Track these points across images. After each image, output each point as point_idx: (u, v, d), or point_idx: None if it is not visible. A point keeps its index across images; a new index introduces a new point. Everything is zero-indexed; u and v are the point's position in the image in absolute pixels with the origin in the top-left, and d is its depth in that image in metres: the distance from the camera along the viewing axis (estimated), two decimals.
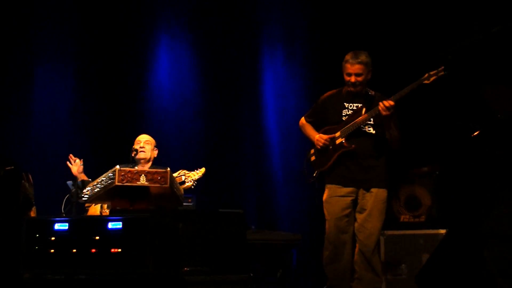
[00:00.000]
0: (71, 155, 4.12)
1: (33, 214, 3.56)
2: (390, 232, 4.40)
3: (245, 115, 5.75)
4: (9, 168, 3.29)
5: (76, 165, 4.07)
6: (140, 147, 4.12)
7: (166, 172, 3.07)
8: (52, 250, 2.84)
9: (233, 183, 5.59)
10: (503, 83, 3.23)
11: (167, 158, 4.39)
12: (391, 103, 3.44)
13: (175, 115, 5.65)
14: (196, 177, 3.76)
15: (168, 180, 3.06)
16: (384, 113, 3.45)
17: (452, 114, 4.69)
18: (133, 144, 4.19)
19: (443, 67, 3.43)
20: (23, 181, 3.40)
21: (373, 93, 3.66)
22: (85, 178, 4.02)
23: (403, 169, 4.71)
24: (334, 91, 3.81)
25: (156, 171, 3.09)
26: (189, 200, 4.75)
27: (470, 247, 2.96)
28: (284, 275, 4.46)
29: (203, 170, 3.80)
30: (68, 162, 4.11)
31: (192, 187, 3.77)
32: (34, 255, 2.85)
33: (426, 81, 3.48)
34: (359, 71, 3.58)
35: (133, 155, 4.08)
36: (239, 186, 5.62)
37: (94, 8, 5.52)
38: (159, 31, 5.78)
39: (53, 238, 2.85)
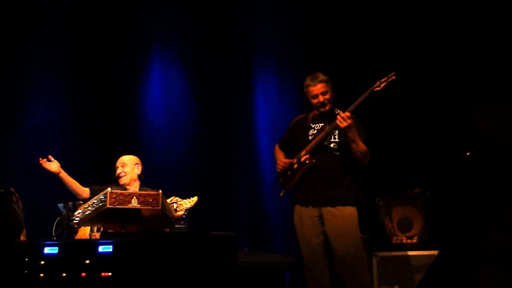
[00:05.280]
0: (41, 159, 3.96)
1: (23, 237, 3.52)
2: (382, 254, 4.39)
3: (238, 137, 5.77)
4: None
5: (55, 163, 3.95)
6: (118, 173, 4.09)
7: (158, 194, 3.06)
8: (42, 275, 2.80)
9: (226, 205, 5.57)
10: (491, 105, 3.27)
11: (159, 181, 4.37)
12: (347, 114, 3.48)
13: (167, 137, 5.66)
14: (188, 206, 3.73)
15: (160, 203, 3.05)
16: (341, 124, 3.48)
17: (443, 136, 4.73)
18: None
19: (394, 73, 3.46)
20: (13, 204, 3.37)
21: (339, 111, 3.67)
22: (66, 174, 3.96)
23: (395, 191, 4.72)
24: (302, 115, 3.88)
25: (148, 194, 3.08)
26: (181, 222, 4.72)
27: (462, 269, 2.96)
28: None
29: (195, 199, 3.77)
30: (45, 164, 3.94)
31: (184, 216, 3.74)
32: (23, 279, 2.81)
33: (377, 88, 3.51)
34: (324, 89, 3.65)
35: (118, 180, 4.08)
36: (232, 208, 5.61)
37: (86, 29, 5.56)
38: (151, 54, 5.82)
39: (42, 262, 2.82)
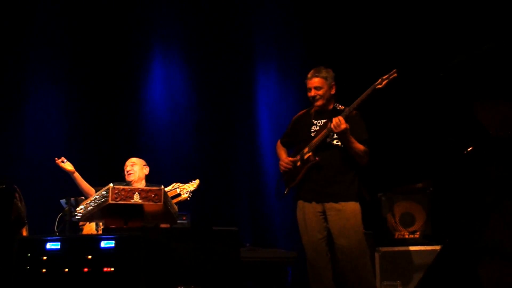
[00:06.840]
0: (56, 158, 4.14)
1: (25, 233, 3.53)
2: (385, 249, 4.39)
3: (239, 131, 5.77)
4: (0, 187, 3.27)
5: (68, 163, 4.13)
6: (127, 171, 4.23)
7: (160, 190, 3.07)
8: (44, 270, 2.81)
9: (228, 200, 5.58)
10: (494, 100, 3.26)
11: (161, 176, 4.39)
12: (340, 118, 3.46)
13: (169, 133, 5.67)
14: (191, 188, 3.77)
15: (162, 198, 3.06)
16: (335, 130, 3.47)
17: (445, 131, 4.72)
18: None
19: (395, 70, 3.44)
20: (15, 200, 3.38)
21: (342, 108, 3.66)
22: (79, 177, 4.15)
23: (397, 186, 4.71)
24: (304, 110, 3.87)
25: (149, 189, 3.09)
26: (184, 218, 4.73)
27: (465, 264, 2.96)
28: None
29: (197, 181, 3.83)
30: (61, 163, 4.12)
31: (188, 198, 3.77)
32: (25, 275, 2.81)
33: (379, 86, 3.50)
34: (318, 85, 3.63)
35: (127, 176, 4.21)
36: (234, 204, 5.61)
37: (87, 27, 5.56)
38: (152, 49, 5.82)
39: (45, 258, 2.83)
